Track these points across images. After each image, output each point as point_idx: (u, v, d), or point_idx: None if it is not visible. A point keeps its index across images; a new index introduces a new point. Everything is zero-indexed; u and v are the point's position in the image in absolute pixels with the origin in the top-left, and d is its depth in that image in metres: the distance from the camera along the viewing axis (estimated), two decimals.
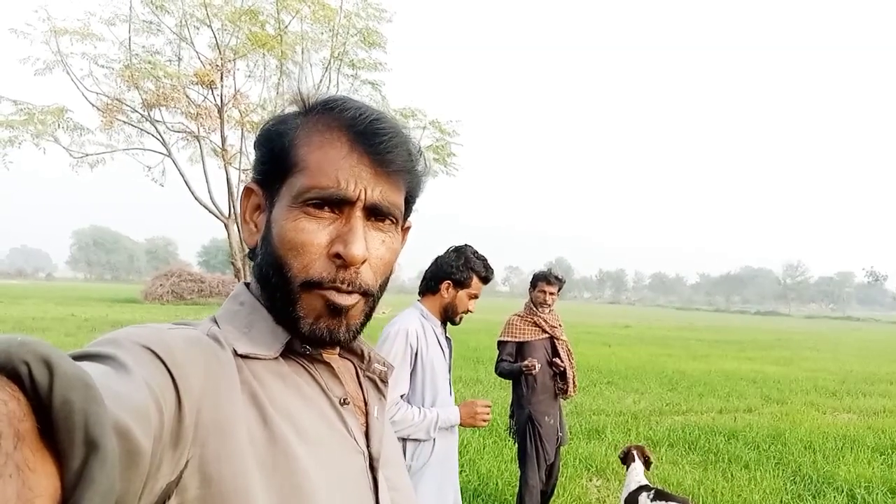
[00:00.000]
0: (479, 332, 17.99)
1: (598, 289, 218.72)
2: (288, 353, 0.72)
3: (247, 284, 0.78)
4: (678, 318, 54.18)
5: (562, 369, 4.07)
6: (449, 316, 2.72)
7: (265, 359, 0.69)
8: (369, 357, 0.83)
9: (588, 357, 14.34)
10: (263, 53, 18.65)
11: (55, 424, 0.35)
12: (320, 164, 0.68)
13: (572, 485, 5.14)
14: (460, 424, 2.57)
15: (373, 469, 0.75)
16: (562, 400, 4.22)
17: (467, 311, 2.73)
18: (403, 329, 2.53)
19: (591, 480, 5.42)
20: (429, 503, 2.46)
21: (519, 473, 4.16)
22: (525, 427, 4.05)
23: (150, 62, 17.82)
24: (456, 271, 2.66)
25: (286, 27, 18.55)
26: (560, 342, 4.17)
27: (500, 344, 4.21)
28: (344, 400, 0.75)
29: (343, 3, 18.59)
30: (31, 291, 45.69)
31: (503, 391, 8.63)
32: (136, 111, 18.46)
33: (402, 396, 2.48)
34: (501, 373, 4.13)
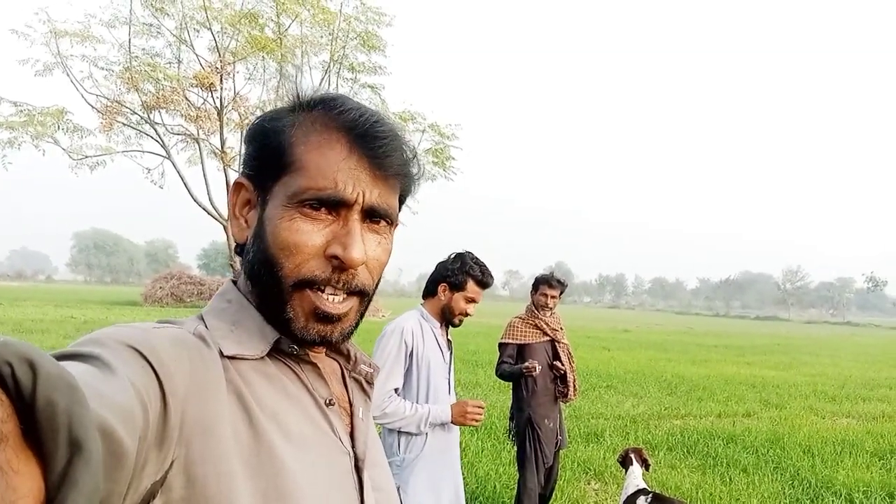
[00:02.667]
0: (477, 336, 17.99)
1: (598, 293, 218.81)
2: (274, 352, 0.71)
3: (234, 282, 0.77)
4: (677, 323, 54.24)
5: (562, 372, 4.07)
6: (447, 318, 2.80)
7: (251, 359, 0.68)
8: (355, 358, 0.83)
9: (587, 361, 14.33)
10: (263, 56, 18.71)
11: (39, 425, 0.35)
12: (319, 164, 0.68)
13: (570, 488, 5.13)
14: (452, 422, 2.64)
15: (358, 470, 0.75)
16: (561, 403, 4.22)
17: (465, 314, 2.80)
18: (399, 327, 2.66)
19: (589, 484, 5.41)
20: (421, 494, 2.54)
21: (517, 476, 4.15)
22: (525, 430, 4.04)
23: (149, 64, 17.87)
24: (452, 275, 2.75)
25: (286, 30, 18.61)
26: (561, 345, 4.16)
27: (501, 346, 4.21)
28: (329, 401, 0.75)
29: (343, 7, 18.68)
30: (30, 293, 45.51)
31: (502, 394, 8.64)
32: (136, 113, 18.50)
33: (395, 390, 2.60)
34: (502, 374, 4.13)
